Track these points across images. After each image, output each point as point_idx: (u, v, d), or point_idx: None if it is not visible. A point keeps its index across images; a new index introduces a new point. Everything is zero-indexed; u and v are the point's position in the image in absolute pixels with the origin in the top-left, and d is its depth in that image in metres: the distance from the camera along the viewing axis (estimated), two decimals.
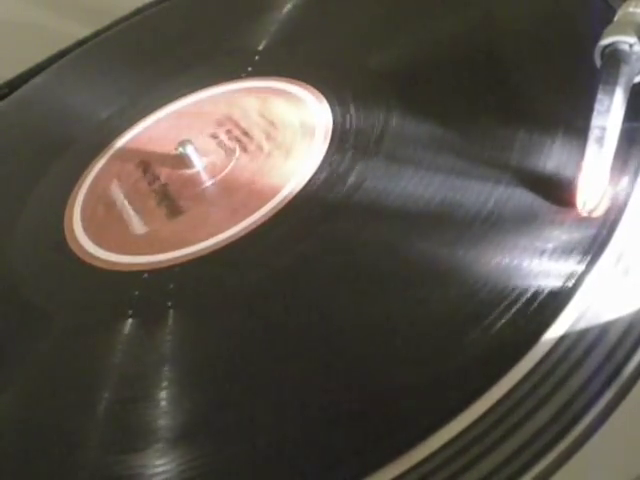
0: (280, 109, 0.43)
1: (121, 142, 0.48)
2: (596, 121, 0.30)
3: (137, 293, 0.36)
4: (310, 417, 0.28)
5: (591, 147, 0.30)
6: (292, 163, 0.39)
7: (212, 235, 0.37)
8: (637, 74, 0.31)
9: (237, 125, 0.44)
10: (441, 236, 0.32)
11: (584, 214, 0.30)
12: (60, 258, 0.40)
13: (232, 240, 0.36)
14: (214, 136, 0.44)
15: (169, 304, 0.34)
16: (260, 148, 0.41)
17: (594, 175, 0.30)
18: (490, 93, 0.37)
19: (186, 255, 0.37)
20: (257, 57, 0.49)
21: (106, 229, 0.41)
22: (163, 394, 0.31)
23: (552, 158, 0.32)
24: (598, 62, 0.32)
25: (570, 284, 0.28)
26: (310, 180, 0.37)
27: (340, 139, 0.39)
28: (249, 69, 0.48)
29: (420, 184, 0.34)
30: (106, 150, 0.47)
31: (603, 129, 0.30)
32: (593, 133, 0.30)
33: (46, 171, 0.48)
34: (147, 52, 0.57)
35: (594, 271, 0.28)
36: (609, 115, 0.30)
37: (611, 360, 0.25)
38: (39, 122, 0.55)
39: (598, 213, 0.29)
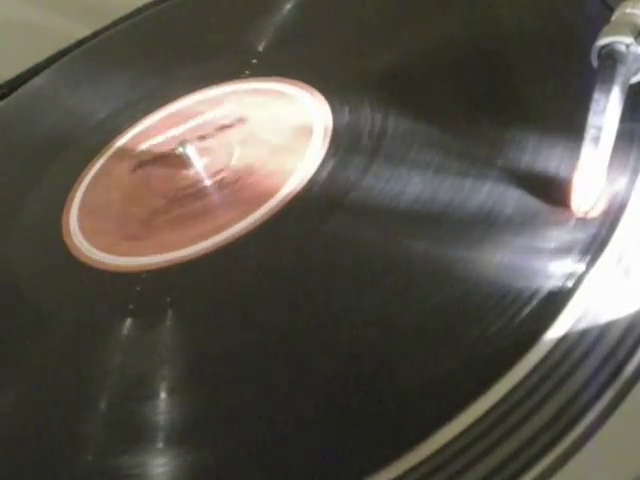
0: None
1: (120, 142, 0.48)
2: (592, 121, 0.30)
3: (136, 293, 0.36)
4: (310, 417, 0.28)
5: (587, 147, 0.30)
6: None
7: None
8: (634, 74, 0.31)
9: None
10: (440, 236, 0.32)
11: (580, 214, 0.29)
12: (59, 258, 0.40)
13: (231, 240, 0.36)
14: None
15: (168, 304, 0.34)
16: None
17: (590, 175, 0.30)
18: (488, 94, 0.37)
19: (185, 255, 0.37)
20: (257, 58, 0.49)
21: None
22: (163, 394, 0.31)
23: (550, 158, 0.32)
24: (595, 62, 0.32)
25: (570, 284, 0.28)
26: (310, 180, 0.37)
27: (340, 139, 0.39)
28: (248, 70, 0.48)
29: (419, 184, 0.34)
30: (105, 150, 0.47)
31: (599, 129, 0.30)
32: (589, 133, 0.30)
33: (46, 171, 0.48)
34: (147, 52, 0.57)
35: (594, 271, 0.28)
36: (605, 115, 0.30)
37: (611, 360, 0.25)
38: (39, 122, 0.55)
39: (594, 214, 0.29)
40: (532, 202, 0.31)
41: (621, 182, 0.30)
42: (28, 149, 0.52)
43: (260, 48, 0.50)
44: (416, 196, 0.34)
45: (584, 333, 0.26)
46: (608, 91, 0.30)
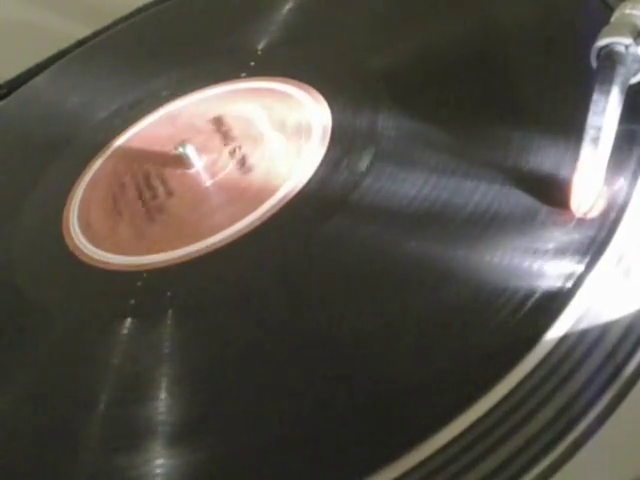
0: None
1: (120, 142, 0.48)
2: (591, 121, 0.30)
3: (136, 293, 0.36)
4: (310, 417, 0.28)
5: (586, 148, 0.30)
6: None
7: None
8: (633, 75, 0.31)
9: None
10: (440, 237, 0.32)
11: (579, 215, 0.30)
12: (60, 258, 0.40)
13: (231, 240, 0.36)
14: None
15: (168, 303, 0.34)
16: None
17: (589, 175, 0.30)
18: (487, 94, 0.37)
19: (185, 255, 0.37)
20: (256, 57, 0.49)
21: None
22: (163, 394, 0.31)
23: (549, 158, 0.32)
24: (594, 63, 0.32)
25: (570, 285, 0.28)
26: (309, 180, 0.37)
27: (339, 139, 0.39)
28: (248, 70, 0.48)
29: (418, 184, 0.34)
30: (105, 150, 0.47)
31: (598, 129, 0.30)
32: (588, 134, 0.30)
33: (46, 171, 0.48)
34: (147, 52, 0.57)
35: (594, 272, 0.28)
36: (604, 116, 0.30)
37: (611, 360, 0.25)
38: (39, 122, 0.55)
39: (593, 214, 0.29)
40: (532, 202, 0.31)
41: (621, 182, 0.30)
42: (28, 149, 0.52)
43: (260, 48, 0.50)
44: (415, 196, 0.34)
45: (584, 333, 0.26)
46: (607, 92, 0.30)
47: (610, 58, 0.31)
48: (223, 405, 0.29)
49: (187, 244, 0.37)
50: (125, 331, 0.34)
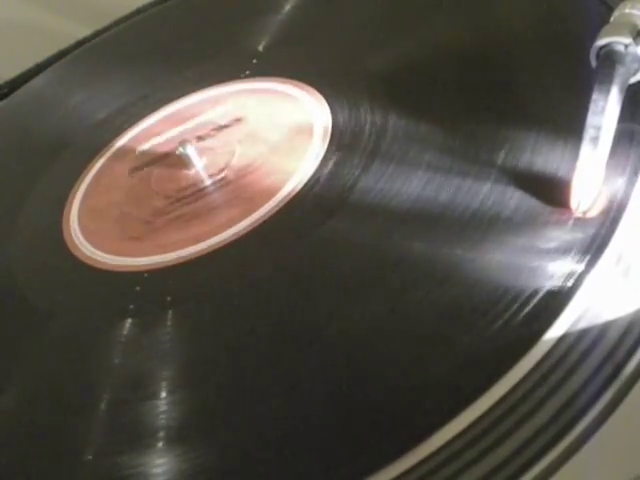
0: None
1: (120, 142, 0.48)
2: (591, 121, 0.30)
3: (137, 293, 0.36)
4: (310, 417, 0.28)
5: (586, 147, 0.30)
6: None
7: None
8: (632, 75, 0.31)
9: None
10: (440, 236, 0.32)
11: (578, 214, 0.30)
12: (60, 259, 0.40)
13: (231, 240, 0.36)
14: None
15: (169, 304, 0.34)
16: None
17: (588, 175, 0.30)
18: (487, 94, 0.38)
19: (186, 255, 0.37)
20: (256, 58, 0.49)
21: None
22: (163, 394, 0.31)
23: (549, 158, 0.32)
24: (594, 62, 0.32)
25: (570, 284, 0.28)
26: (309, 180, 0.37)
27: (339, 139, 0.39)
28: (248, 70, 0.48)
29: (418, 184, 0.34)
30: (105, 150, 0.47)
31: (598, 129, 0.30)
32: (588, 133, 0.30)
33: (46, 171, 0.48)
34: (147, 52, 0.57)
35: (594, 271, 0.28)
36: (604, 115, 0.30)
37: (611, 360, 0.25)
38: (39, 122, 0.55)
39: (593, 213, 0.29)
40: (532, 202, 0.31)
41: (620, 182, 0.30)
42: (28, 149, 0.52)
43: (260, 48, 0.50)
44: (415, 196, 0.34)
45: (584, 333, 0.26)
46: (607, 91, 0.30)
47: (609, 57, 0.31)
48: (223, 405, 0.29)
49: (187, 245, 0.37)
50: (125, 331, 0.34)
